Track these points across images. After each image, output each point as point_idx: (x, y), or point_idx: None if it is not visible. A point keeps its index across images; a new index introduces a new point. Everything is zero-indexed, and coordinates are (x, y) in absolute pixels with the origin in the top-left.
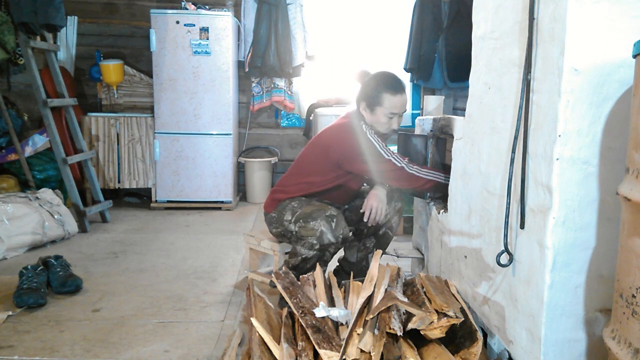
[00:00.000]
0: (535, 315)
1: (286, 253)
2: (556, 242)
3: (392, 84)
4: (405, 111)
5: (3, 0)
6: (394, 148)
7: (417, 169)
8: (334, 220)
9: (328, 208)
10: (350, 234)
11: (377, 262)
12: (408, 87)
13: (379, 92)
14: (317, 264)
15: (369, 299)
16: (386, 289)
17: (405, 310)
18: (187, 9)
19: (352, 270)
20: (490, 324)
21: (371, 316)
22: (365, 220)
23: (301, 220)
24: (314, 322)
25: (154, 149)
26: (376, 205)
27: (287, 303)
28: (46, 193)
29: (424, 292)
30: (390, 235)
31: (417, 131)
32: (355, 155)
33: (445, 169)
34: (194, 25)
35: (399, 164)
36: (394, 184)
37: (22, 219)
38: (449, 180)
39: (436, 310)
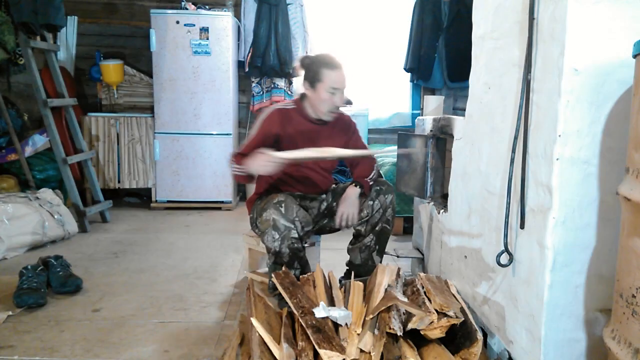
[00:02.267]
0: (535, 315)
1: None
2: (556, 242)
3: (329, 60)
4: (345, 87)
5: (3, 0)
6: (393, 148)
7: (232, 163)
8: (282, 205)
9: (276, 196)
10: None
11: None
12: (408, 87)
13: (317, 68)
14: (297, 254)
15: (368, 298)
16: (386, 289)
17: (405, 310)
18: (187, 9)
19: (360, 272)
20: (490, 324)
21: (371, 316)
22: (337, 226)
23: (258, 216)
24: (314, 322)
25: (154, 149)
26: (347, 210)
27: (287, 303)
28: (46, 193)
29: (424, 292)
30: (388, 229)
31: (417, 131)
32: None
33: (444, 169)
34: (194, 25)
35: (236, 150)
36: None
37: (22, 219)
38: (241, 171)
39: (436, 310)
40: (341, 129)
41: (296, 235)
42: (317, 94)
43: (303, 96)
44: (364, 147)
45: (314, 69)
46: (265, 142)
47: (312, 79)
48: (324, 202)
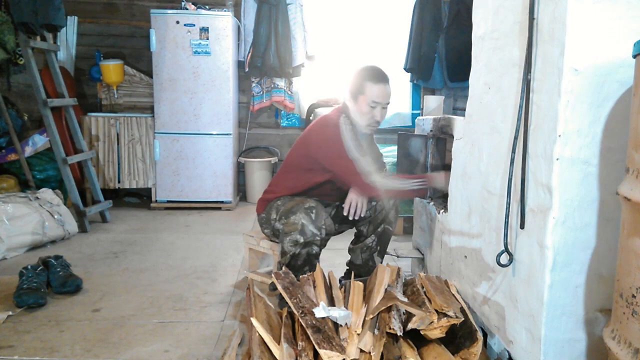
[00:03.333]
0: (535, 315)
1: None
2: (556, 242)
3: (374, 73)
4: (388, 103)
5: (3, 0)
6: (393, 148)
7: (380, 181)
8: (313, 211)
9: (307, 201)
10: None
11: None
12: (408, 87)
13: (361, 81)
14: (312, 260)
15: (368, 298)
16: (386, 289)
17: (405, 310)
18: (187, 9)
19: (360, 272)
20: (490, 324)
21: (371, 316)
22: (345, 214)
23: (283, 217)
24: (314, 322)
25: (154, 149)
26: (356, 198)
27: (287, 303)
28: (46, 193)
29: (424, 292)
30: (390, 231)
31: (417, 131)
32: (326, 148)
33: (445, 169)
34: (194, 25)
35: (358, 169)
36: (350, 184)
37: (22, 219)
38: (423, 185)
39: (436, 310)
40: None
41: (318, 242)
42: (357, 106)
43: (344, 110)
44: (377, 148)
45: (358, 80)
46: None
47: (354, 91)
48: (336, 208)
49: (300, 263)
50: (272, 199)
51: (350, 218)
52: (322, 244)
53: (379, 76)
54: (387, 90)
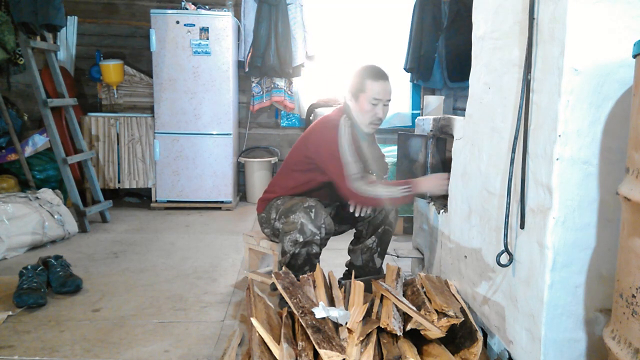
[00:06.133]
0: (535, 315)
1: None
2: (556, 242)
3: (373, 71)
4: (389, 100)
5: (3, 0)
6: (393, 148)
7: (364, 188)
8: (313, 210)
9: (306, 200)
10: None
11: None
12: (408, 87)
13: (361, 79)
14: (312, 260)
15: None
16: (384, 295)
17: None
18: (187, 9)
19: (360, 274)
20: (490, 324)
21: (361, 338)
22: (351, 210)
23: (283, 216)
24: (314, 322)
25: (154, 149)
26: None
27: (287, 303)
28: (46, 193)
29: (424, 292)
30: (390, 232)
31: (417, 131)
32: (322, 148)
33: (445, 169)
34: (194, 25)
35: (346, 173)
36: (337, 187)
37: (22, 219)
38: (408, 193)
39: (436, 310)
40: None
41: (318, 242)
42: (359, 104)
43: (346, 109)
44: (379, 148)
45: (358, 79)
46: None
47: (355, 90)
48: (336, 208)
49: (301, 263)
50: (272, 198)
51: (357, 215)
52: (322, 244)
53: (379, 73)
54: (387, 87)
